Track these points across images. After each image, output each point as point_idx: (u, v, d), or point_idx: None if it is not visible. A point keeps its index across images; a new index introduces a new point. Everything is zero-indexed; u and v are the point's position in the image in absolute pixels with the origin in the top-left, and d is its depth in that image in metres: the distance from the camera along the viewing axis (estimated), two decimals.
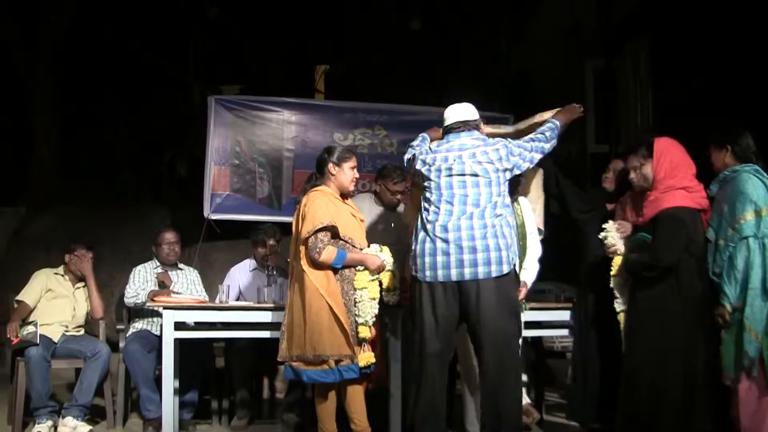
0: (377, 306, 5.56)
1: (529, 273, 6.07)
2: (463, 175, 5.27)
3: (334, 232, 5.56)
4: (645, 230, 5.40)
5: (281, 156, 9.27)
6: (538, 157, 5.44)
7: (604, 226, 5.65)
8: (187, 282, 7.16)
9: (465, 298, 5.15)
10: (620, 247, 5.52)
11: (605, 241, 5.60)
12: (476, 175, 5.26)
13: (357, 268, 5.59)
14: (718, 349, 5.25)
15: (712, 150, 5.44)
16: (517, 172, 5.40)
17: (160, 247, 7.14)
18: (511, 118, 9.61)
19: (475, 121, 5.48)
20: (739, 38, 8.48)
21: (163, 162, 11.53)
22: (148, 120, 11.20)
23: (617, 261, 5.54)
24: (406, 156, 5.64)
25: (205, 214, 8.97)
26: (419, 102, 9.42)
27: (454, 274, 5.16)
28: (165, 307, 6.12)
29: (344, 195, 5.80)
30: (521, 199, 6.11)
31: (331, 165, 5.70)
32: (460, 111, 5.51)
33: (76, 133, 11.14)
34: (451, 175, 5.29)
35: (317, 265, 5.49)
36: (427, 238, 5.24)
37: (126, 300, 6.92)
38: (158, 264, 7.14)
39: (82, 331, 7.01)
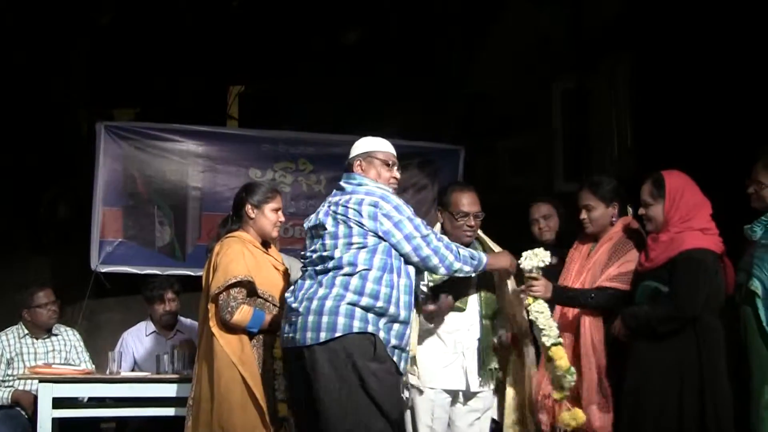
0: None
1: None
2: None
3: (250, 288, 5.57)
4: (652, 277, 5.46)
5: (186, 195, 9.31)
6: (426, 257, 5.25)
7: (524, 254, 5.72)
8: (65, 349, 7.13)
9: None
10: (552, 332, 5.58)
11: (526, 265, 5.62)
12: None
13: (278, 333, 5.50)
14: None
15: (764, 183, 5.50)
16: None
17: (35, 311, 7.08)
18: (461, 149, 9.76)
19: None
20: (737, 53, 8.73)
21: (42, 202, 11.46)
22: (24, 151, 11.12)
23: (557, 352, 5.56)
24: None
25: (93, 266, 8.96)
26: (352, 131, 9.47)
27: None
28: (41, 380, 6.09)
29: (267, 243, 5.83)
30: None
31: (249, 207, 5.75)
32: None
33: None
34: None
35: (229, 328, 5.50)
36: None
37: None
38: (26, 332, 7.09)
39: None
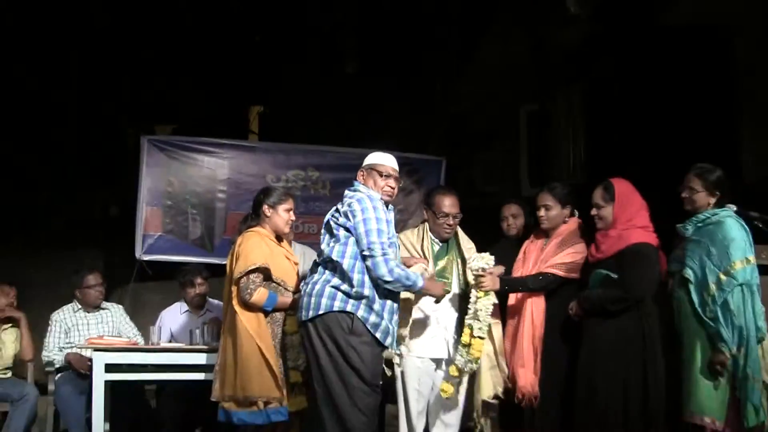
0: None
1: None
2: None
3: (266, 274, 5.64)
4: (602, 266, 5.58)
5: (214, 197, 9.34)
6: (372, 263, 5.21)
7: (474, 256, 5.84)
8: (112, 321, 7.19)
9: None
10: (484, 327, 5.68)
11: (473, 265, 5.73)
12: None
13: (288, 312, 5.68)
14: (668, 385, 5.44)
15: (699, 190, 5.50)
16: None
17: (85, 291, 7.14)
18: (443, 160, 9.80)
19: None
20: (670, 91, 8.89)
21: (96, 204, 11.50)
22: (81, 161, 11.17)
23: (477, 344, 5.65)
24: None
25: (137, 255, 9.00)
26: (353, 144, 9.54)
27: None
28: (95, 349, 6.16)
29: (280, 237, 5.91)
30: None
31: (266, 207, 5.80)
32: None
33: (4, 173, 11.09)
34: None
35: (248, 307, 5.58)
36: None
37: (43, 361, 6.97)
38: (79, 307, 7.16)
39: (9, 374, 7.00)
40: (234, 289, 5.63)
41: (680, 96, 8.96)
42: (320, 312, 5.16)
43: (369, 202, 5.25)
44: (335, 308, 5.15)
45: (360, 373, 5.13)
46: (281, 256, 5.83)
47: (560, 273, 5.78)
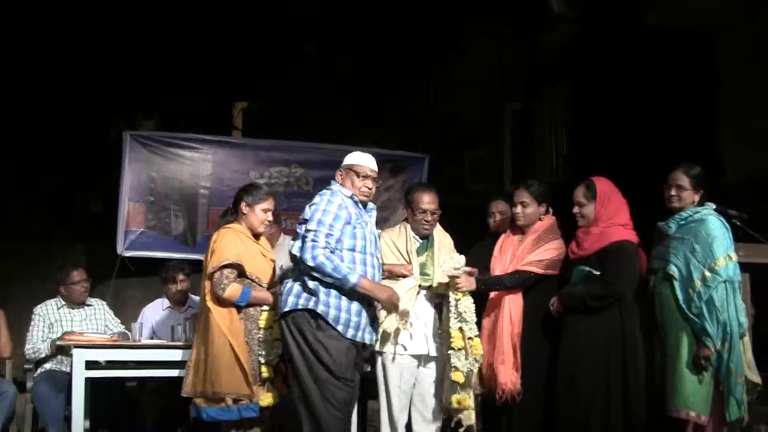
0: (280, 346, 5.58)
1: None
2: None
3: (240, 270, 5.64)
4: (584, 263, 5.62)
5: (196, 193, 9.31)
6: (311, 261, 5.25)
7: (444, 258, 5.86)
8: (96, 318, 7.15)
9: None
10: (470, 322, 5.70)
11: (446, 267, 5.75)
12: None
13: (262, 307, 5.69)
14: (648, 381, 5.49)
15: (687, 188, 5.57)
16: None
17: (70, 287, 7.11)
18: (426, 157, 9.79)
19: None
20: (653, 91, 8.94)
21: (77, 199, 11.45)
22: (61, 156, 11.11)
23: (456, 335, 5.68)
24: None
25: (119, 251, 8.96)
26: (339, 141, 9.51)
27: None
28: (75, 346, 6.11)
29: (257, 235, 5.89)
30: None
31: (244, 204, 5.80)
32: None
33: None
34: None
35: (221, 303, 5.58)
36: None
37: (26, 354, 6.91)
38: (63, 303, 7.11)
39: None
40: (207, 284, 5.63)
41: (663, 96, 9.06)
42: (287, 309, 5.28)
43: (327, 196, 5.37)
44: (299, 306, 5.26)
45: (328, 368, 5.21)
46: (257, 253, 5.83)
47: (537, 270, 5.82)
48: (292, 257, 5.41)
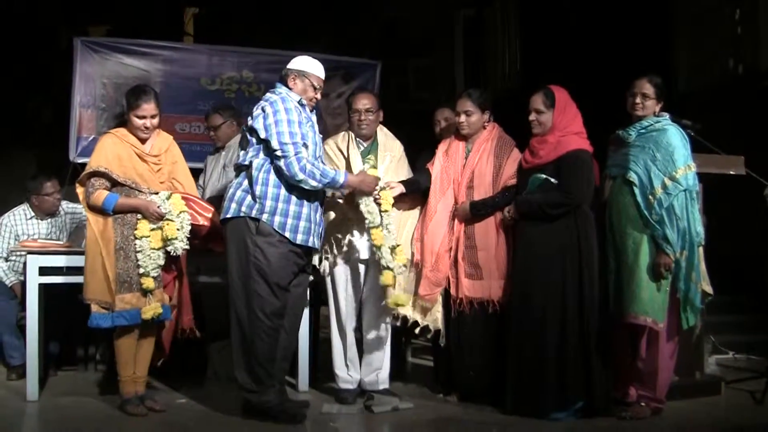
0: (161, 256, 5.44)
1: None
2: None
3: (109, 177, 5.47)
4: (540, 171, 5.60)
5: None
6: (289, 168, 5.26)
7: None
8: (66, 227, 7.12)
9: None
10: (376, 220, 5.66)
11: (364, 211, 5.68)
12: None
13: (138, 216, 5.47)
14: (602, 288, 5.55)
15: (651, 97, 5.60)
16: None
17: (42, 198, 6.99)
18: (378, 64, 9.71)
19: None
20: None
21: (28, 107, 11.29)
22: (11, 64, 10.91)
23: (376, 233, 5.65)
24: None
25: (71, 158, 8.84)
26: (289, 47, 9.38)
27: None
28: (29, 252, 6.03)
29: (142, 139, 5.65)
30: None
31: (126, 108, 5.65)
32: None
33: None
34: None
35: (95, 209, 5.47)
36: None
37: None
38: (32, 214, 7.02)
39: None
40: (82, 191, 5.56)
41: (615, 6, 8.98)
42: (228, 215, 5.30)
43: (281, 104, 5.30)
44: (241, 213, 5.26)
45: (263, 273, 5.23)
46: (134, 157, 5.56)
47: (514, 182, 5.84)
48: (237, 167, 5.42)
